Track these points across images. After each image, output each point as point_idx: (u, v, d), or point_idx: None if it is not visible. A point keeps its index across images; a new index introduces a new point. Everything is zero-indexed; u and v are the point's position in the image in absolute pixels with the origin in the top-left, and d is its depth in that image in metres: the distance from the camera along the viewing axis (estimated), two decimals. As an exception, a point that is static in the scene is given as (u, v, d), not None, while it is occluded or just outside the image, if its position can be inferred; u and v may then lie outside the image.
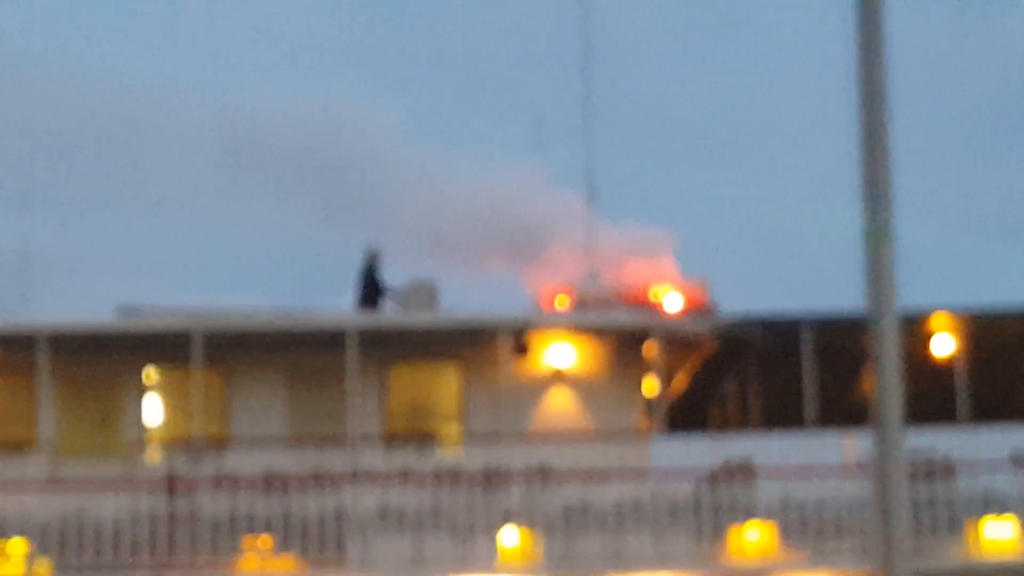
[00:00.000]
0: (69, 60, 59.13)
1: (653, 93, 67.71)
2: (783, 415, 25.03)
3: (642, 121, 63.59)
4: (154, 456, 24.52)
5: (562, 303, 25.89)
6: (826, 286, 31.26)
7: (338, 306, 26.04)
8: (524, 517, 22.91)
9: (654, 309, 25.53)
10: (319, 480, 22.92)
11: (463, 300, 26.20)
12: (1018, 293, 27.58)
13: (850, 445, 23.25)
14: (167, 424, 25.43)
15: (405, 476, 23.08)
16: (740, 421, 26.51)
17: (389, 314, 25.47)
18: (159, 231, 66.22)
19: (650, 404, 25.04)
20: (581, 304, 25.36)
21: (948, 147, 69.95)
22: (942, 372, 24.62)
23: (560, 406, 25.00)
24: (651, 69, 67.56)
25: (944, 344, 25.05)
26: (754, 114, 71.90)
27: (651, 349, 24.49)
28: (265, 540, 22.51)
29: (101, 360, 24.74)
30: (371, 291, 25.41)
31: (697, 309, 25.60)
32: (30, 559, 22.34)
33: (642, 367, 25.07)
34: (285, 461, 23.30)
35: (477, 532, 22.70)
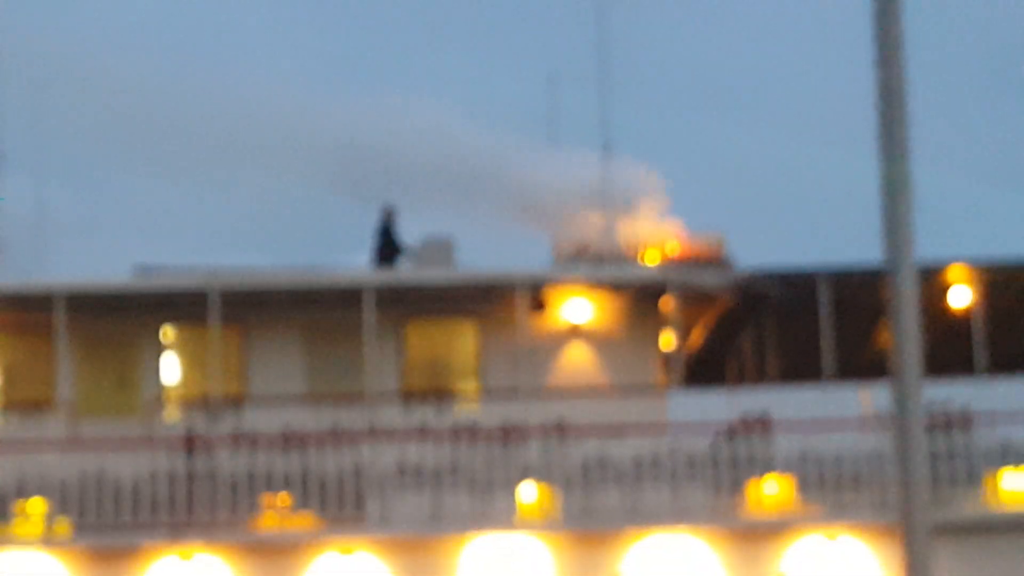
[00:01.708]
0: (84, 26, 59.31)
1: (668, 47, 67.44)
2: (800, 369, 25.12)
3: (657, 75, 63.40)
4: (172, 415, 24.65)
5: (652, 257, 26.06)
6: (843, 239, 31.16)
7: (354, 264, 25.98)
8: (542, 473, 22.93)
9: (671, 263, 25.63)
10: (337, 437, 22.98)
11: (479, 256, 26.17)
12: None
13: (867, 398, 23.36)
14: (185, 383, 25.61)
15: (423, 433, 23.16)
16: (757, 375, 26.64)
17: (406, 271, 25.47)
18: (174, 194, 66.38)
19: (667, 359, 25.28)
20: (597, 259, 25.35)
21: (965, 94, 69.60)
22: (960, 324, 24.65)
23: (577, 362, 25.10)
24: (666, 24, 67.26)
25: (962, 296, 25.09)
26: (769, 66, 71.71)
27: (668, 304, 24.59)
28: (284, 498, 22.58)
29: (118, 320, 24.94)
30: (387, 249, 25.50)
31: (713, 263, 25.68)
32: (49, 518, 22.38)
33: (659, 322, 25.25)
34: (303, 419, 23.40)
35: (495, 488, 22.75)
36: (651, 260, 25.93)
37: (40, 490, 22.49)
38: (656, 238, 26.67)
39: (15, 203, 26.05)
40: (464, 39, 71.28)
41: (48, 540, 22.31)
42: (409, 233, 26.10)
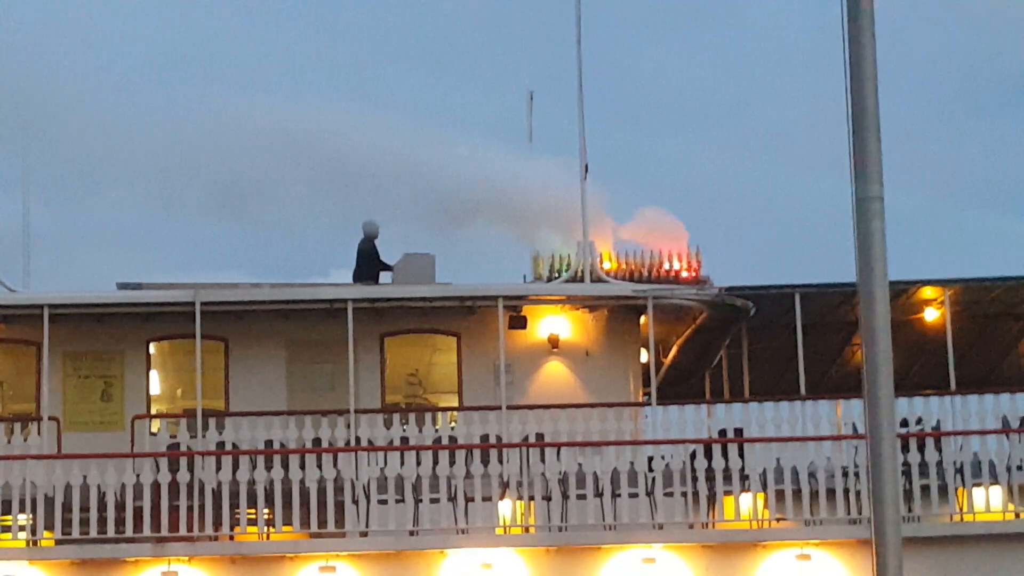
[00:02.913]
0: (55, 42, 59.24)
1: (643, 68, 67.74)
2: (776, 384, 25.25)
3: (632, 95, 63.63)
4: (156, 428, 24.37)
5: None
6: (815, 258, 31.26)
7: (336, 281, 25.89)
8: (521, 487, 22.81)
9: (649, 280, 25.68)
10: (319, 450, 22.88)
11: (460, 273, 26.41)
12: (1006, 260, 27.73)
13: (840, 414, 23.49)
14: (169, 395, 25.43)
15: (403, 447, 23.00)
16: (734, 391, 26.59)
17: (386, 286, 25.36)
18: (156, 213, 66.39)
19: (645, 374, 25.06)
20: (577, 276, 25.27)
21: (935, 117, 70.12)
22: (932, 341, 24.76)
23: (556, 377, 24.99)
24: (641, 45, 67.71)
25: (933, 314, 25.18)
26: (742, 89, 72.11)
27: (646, 320, 24.51)
28: (266, 513, 22.48)
29: (103, 333, 24.77)
30: (369, 267, 25.45)
31: (691, 280, 25.88)
32: (33, 531, 22.29)
33: (637, 338, 25.04)
34: (284, 432, 23.25)
35: (474, 502, 22.54)
36: (627, 276, 26.05)
37: (24, 505, 22.25)
38: (631, 255, 26.84)
39: (1, 220, 26.05)
40: (441, 61, 71.58)
41: (32, 553, 22.11)
42: (391, 249, 25.89)
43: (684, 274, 27.45)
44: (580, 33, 25.96)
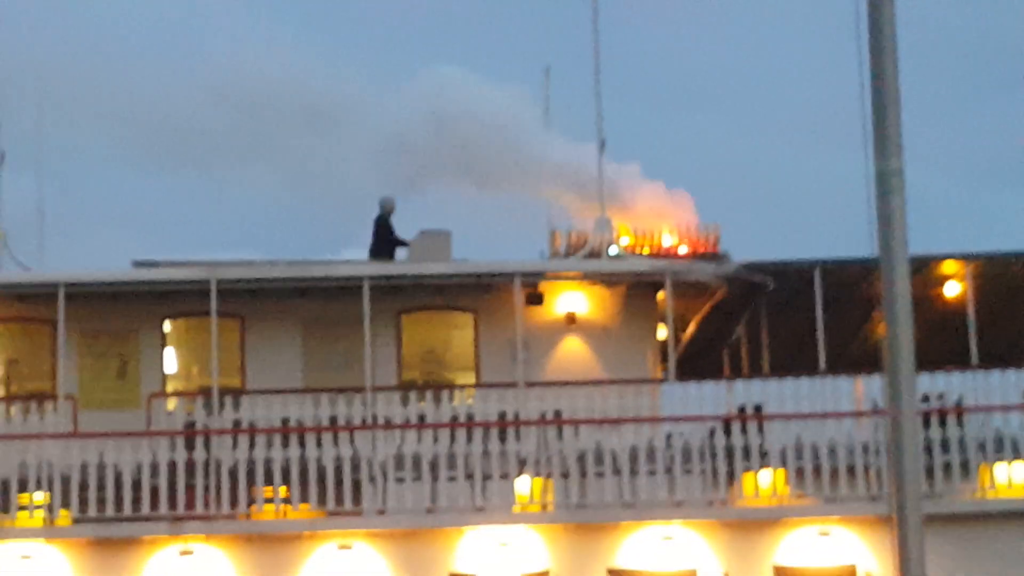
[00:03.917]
0: (83, 23, 59.21)
1: (660, 46, 67.64)
2: (795, 360, 25.26)
3: (649, 73, 63.46)
4: (172, 406, 24.47)
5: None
6: (835, 234, 31.07)
7: (351, 257, 25.95)
8: (538, 465, 22.91)
9: (666, 256, 25.67)
10: (335, 428, 22.90)
11: (476, 249, 26.53)
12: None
13: (861, 390, 23.45)
14: (185, 373, 25.49)
15: (420, 425, 23.06)
16: (752, 367, 26.66)
17: (403, 263, 25.47)
18: (171, 191, 66.36)
19: (663, 351, 25.08)
20: (594, 253, 25.30)
21: (955, 94, 69.87)
22: (953, 316, 24.73)
23: (573, 354, 25.01)
24: (658, 23, 67.57)
25: (954, 288, 25.16)
26: (761, 65, 71.98)
27: (663, 296, 24.53)
28: (283, 491, 22.53)
29: (119, 312, 24.77)
30: (385, 242, 25.53)
31: (709, 256, 25.88)
32: (50, 510, 22.40)
33: (655, 314, 25.11)
34: (301, 410, 23.28)
35: (492, 480, 22.68)
36: (646, 252, 26.04)
37: (40, 483, 22.36)
38: (651, 231, 26.83)
39: (16, 200, 26.03)
40: (460, 39, 71.53)
41: (50, 531, 22.26)
42: (408, 225, 25.97)
43: (682, 249, 27.38)
44: (597, 9, 26.09)
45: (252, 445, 22.57)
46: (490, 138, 34.21)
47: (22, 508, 22.48)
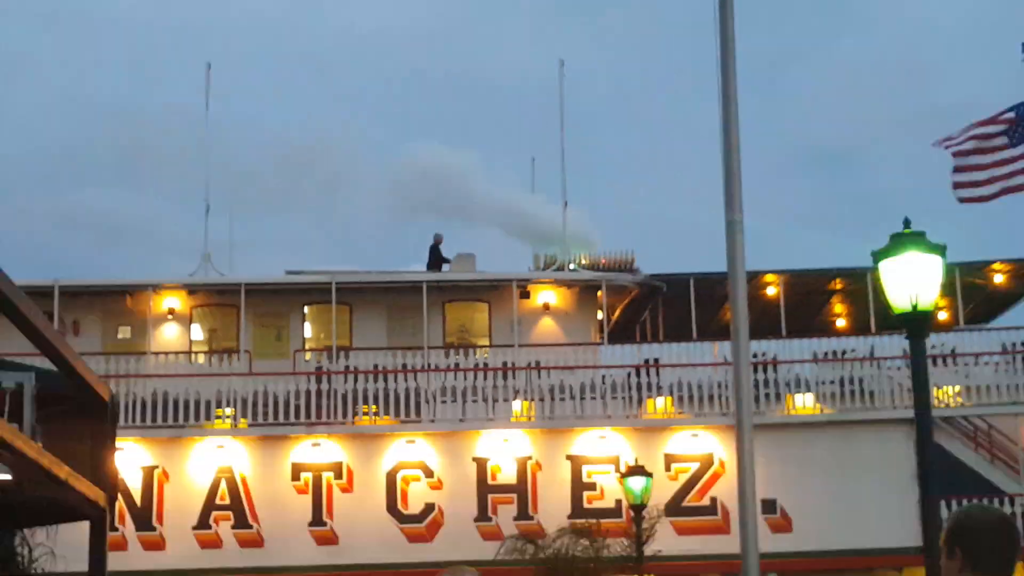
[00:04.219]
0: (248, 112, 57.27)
1: (605, 140, 66.93)
2: (678, 332, 25.25)
3: (594, 157, 62.87)
4: (308, 357, 24.39)
5: None
6: (704, 256, 30.39)
7: (415, 270, 25.82)
8: (526, 393, 22.86)
9: (603, 270, 25.42)
10: (405, 371, 22.84)
11: (489, 263, 25.98)
12: (820, 261, 27.96)
13: (717, 350, 23.37)
14: (316, 337, 25.15)
15: (455, 368, 23.01)
16: (653, 336, 26.37)
17: (446, 273, 25.26)
18: (304, 226, 65.07)
19: (600, 327, 24.96)
20: (561, 267, 25.13)
21: (786, 164, 69.89)
22: (771, 306, 24.75)
23: (547, 328, 24.90)
24: (607, 125, 66.62)
25: (772, 290, 25.10)
26: (667, 146, 71.08)
27: (601, 294, 24.53)
28: (374, 408, 22.56)
29: (277, 300, 24.98)
30: (436, 260, 25.40)
31: (628, 270, 25.58)
32: (234, 419, 22.70)
33: (595, 305, 24.95)
34: (385, 360, 23.21)
35: (498, 402, 22.56)
36: (590, 267, 25.58)
37: (229, 402, 22.57)
38: (592, 256, 26.44)
39: (216, 231, 26.11)
40: (458, 131, 70.05)
41: (234, 432, 22.45)
42: (449, 249, 25.65)
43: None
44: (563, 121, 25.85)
45: (356, 380, 22.50)
46: (471, 189, 33.65)
47: (218, 418, 22.69)
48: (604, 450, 22.12)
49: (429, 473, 22.06)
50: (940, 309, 22.11)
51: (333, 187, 52.10)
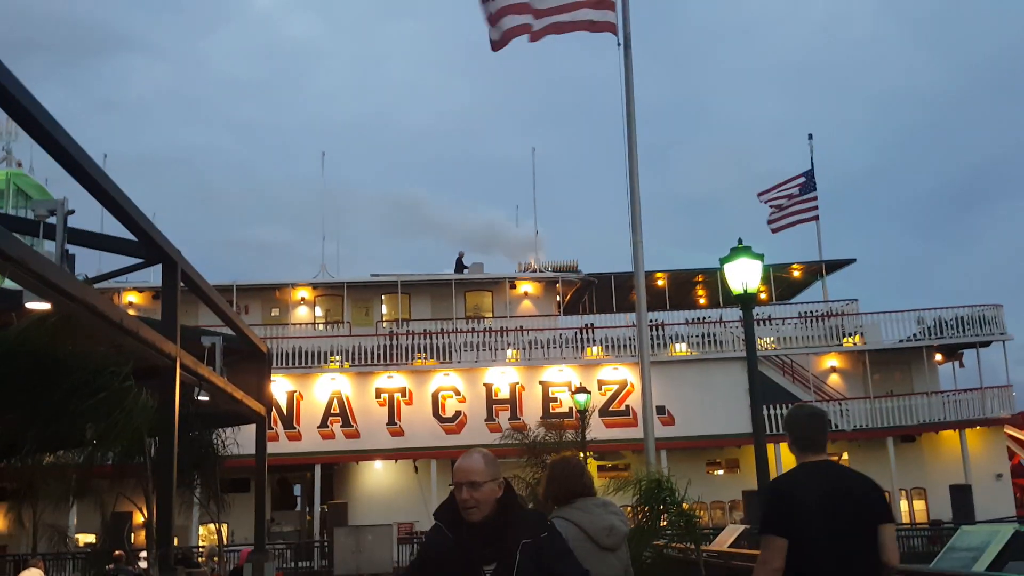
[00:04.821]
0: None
1: (559, 190, 66.25)
2: (605, 308, 24.73)
3: (554, 202, 61.91)
4: (384, 325, 24.01)
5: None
6: (621, 260, 30.45)
7: (447, 273, 25.00)
8: (515, 345, 22.67)
9: (561, 270, 25.04)
10: (443, 332, 22.73)
11: (490, 268, 25.32)
12: (689, 264, 27.48)
13: (628, 318, 22.73)
14: (389, 313, 24.48)
15: (472, 331, 22.86)
16: (590, 310, 25.56)
17: (465, 274, 24.80)
18: (383, 247, 61.00)
19: (558, 305, 24.81)
20: (535, 270, 25.03)
21: (668, 207, 69.38)
22: (659, 293, 24.16)
23: (526, 306, 24.64)
24: (570, 179, 65.87)
25: (661, 282, 24.50)
26: (598, 195, 69.88)
27: (559, 286, 24.67)
28: (424, 354, 22.40)
29: (366, 291, 23.74)
30: (460, 267, 24.97)
31: (574, 271, 25.17)
32: (340, 362, 22.40)
33: (555, 292, 24.84)
34: (430, 326, 23.22)
35: (498, 350, 22.44)
36: (551, 269, 25.03)
37: (335, 352, 22.41)
38: (552, 262, 25.69)
39: (328, 250, 26.66)
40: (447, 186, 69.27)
41: (340, 370, 22.09)
42: (467, 260, 25.20)
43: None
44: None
45: (412, 338, 22.59)
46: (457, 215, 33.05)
47: (331, 362, 22.44)
48: (561, 378, 22.26)
49: (457, 393, 22.13)
50: (760, 292, 21.74)
51: (403, 226, 51.45)
